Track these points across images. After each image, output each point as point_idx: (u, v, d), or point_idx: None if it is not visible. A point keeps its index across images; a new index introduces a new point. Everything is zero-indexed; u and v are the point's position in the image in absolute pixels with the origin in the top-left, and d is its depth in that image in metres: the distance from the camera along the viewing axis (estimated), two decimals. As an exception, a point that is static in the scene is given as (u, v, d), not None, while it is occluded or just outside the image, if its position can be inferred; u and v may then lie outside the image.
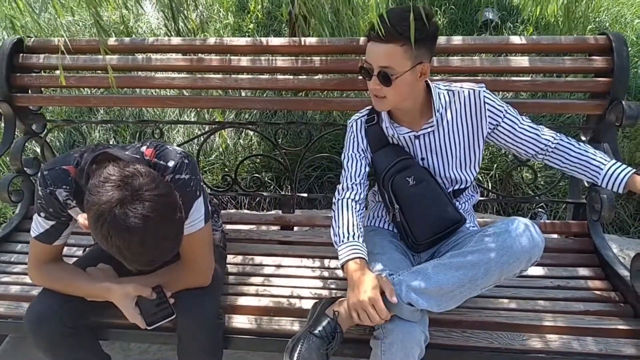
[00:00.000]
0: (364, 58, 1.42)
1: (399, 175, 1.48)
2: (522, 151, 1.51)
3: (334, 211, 1.48)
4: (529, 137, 1.48)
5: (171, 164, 1.29)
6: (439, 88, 1.51)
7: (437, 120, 1.48)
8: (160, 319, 1.29)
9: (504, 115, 1.48)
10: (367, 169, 1.54)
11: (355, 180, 1.51)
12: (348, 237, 1.38)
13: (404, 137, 1.52)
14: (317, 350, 1.27)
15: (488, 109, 1.48)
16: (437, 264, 1.31)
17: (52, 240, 1.35)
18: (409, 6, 1.32)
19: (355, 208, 1.46)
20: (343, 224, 1.41)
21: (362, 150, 1.55)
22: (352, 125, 1.58)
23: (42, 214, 1.31)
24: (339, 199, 1.48)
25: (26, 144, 2.05)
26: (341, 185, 1.52)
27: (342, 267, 1.35)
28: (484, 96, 1.48)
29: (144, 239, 1.05)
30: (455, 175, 1.53)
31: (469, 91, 1.49)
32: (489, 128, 1.49)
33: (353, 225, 1.41)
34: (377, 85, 1.39)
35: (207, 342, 1.40)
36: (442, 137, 1.50)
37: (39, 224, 1.33)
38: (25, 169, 2.02)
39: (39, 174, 1.29)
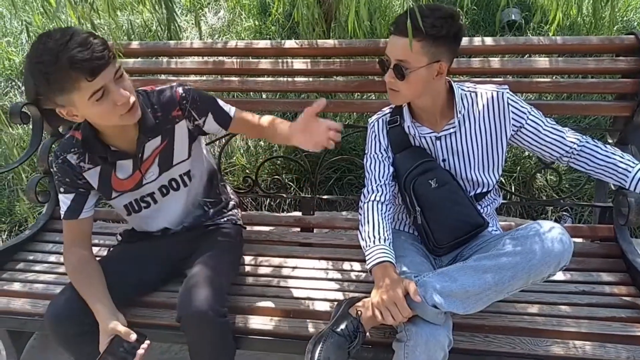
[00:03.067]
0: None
1: (421, 177, 1.46)
2: (546, 154, 1.48)
3: (361, 215, 1.47)
4: (554, 139, 1.45)
5: (174, 84, 1.45)
6: (462, 89, 1.49)
7: (458, 122, 1.47)
8: None
9: (527, 117, 1.46)
10: (391, 170, 1.52)
11: (380, 181, 1.49)
12: (375, 241, 1.37)
13: (425, 137, 1.51)
14: (339, 348, 1.26)
15: (511, 111, 1.46)
16: (464, 266, 1.29)
17: (76, 215, 1.43)
18: (434, 4, 1.32)
19: (382, 210, 1.44)
20: (370, 227, 1.40)
21: (384, 150, 1.54)
22: (373, 125, 1.58)
23: (62, 189, 1.41)
24: (364, 202, 1.47)
25: (53, 145, 2.10)
26: (366, 188, 1.51)
27: (370, 270, 1.35)
28: (508, 97, 1.46)
29: (52, 34, 1.17)
30: (477, 178, 1.51)
31: (492, 92, 1.47)
32: (513, 130, 1.47)
33: (381, 229, 1.39)
34: (391, 78, 1.39)
35: (213, 340, 1.37)
36: (463, 138, 1.48)
37: (62, 203, 1.43)
38: (51, 170, 2.06)
39: (53, 154, 1.39)
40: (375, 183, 1.50)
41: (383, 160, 1.53)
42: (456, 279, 1.27)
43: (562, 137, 1.45)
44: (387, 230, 1.40)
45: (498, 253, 1.27)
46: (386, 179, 1.50)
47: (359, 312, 1.34)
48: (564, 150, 1.45)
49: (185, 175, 1.54)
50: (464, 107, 1.47)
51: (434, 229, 1.48)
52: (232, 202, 1.77)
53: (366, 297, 1.39)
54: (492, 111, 1.47)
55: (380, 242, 1.36)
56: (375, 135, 1.56)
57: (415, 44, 1.31)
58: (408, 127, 1.51)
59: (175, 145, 1.47)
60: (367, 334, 1.35)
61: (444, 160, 1.51)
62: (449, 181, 1.47)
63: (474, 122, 1.48)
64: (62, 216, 1.45)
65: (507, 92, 1.47)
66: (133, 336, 1.28)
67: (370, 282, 1.63)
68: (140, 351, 1.29)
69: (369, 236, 1.39)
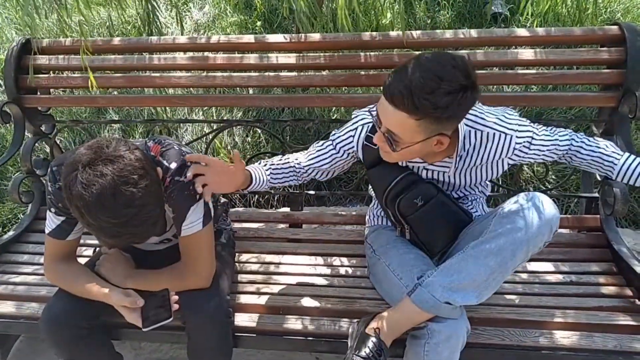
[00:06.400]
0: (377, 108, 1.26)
1: (405, 196, 1.41)
2: (545, 160, 1.47)
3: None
4: (551, 151, 1.42)
5: (173, 165, 1.28)
6: (467, 124, 1.34)
7: (455, 162, 1.38)
8: (154, 323, 1.26)
9: (528, 150, 1.38)
10: (328, 167, 1.52)
11: (310, 165, 1.52)
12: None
13: (413, 164, 1.44)
14: None
15: (515, 154, 1.37)
16: (465, 256, 1.27)
17: (64, 236, 1.36)
18: (440, 67, 1.11)
19: (287, 167, 1.51)
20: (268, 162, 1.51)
21: (348, 153, 1.48)
22: (356, 122, 1.45)
23: (53, 210, 1.33)
24: (288, 158, 1.54)
25: (36, 144, 2.06)
26: (300, 155, 1.55)
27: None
28: (515, 143, 1.35)
29: (101, 198, 1.05)
30: (460, 194, 1.51)
31: (500, 135, 1.34)
32: (510, 164, 1.43)
33: (271, 163, 1.50)
34: (381, 141, 1.28)
35: (216, 340, 1.40)
36: (455, 175, 1.43)
37: (51, 220, 1.35)
38: (35, 169, 2.03)
39: (49, 170, 1.30)
40: (306, 162, 1.52)
41: (332, 157, 1.50)
42: (461, 271, 1.25)
43: (558, 145, 1.41)
44: (273, 165, 1.49)
45: (493, 235, 1.24)
46: (313, 169, 1.53)
47: (377, 330, 1.31)
48: (560, 153, 1.43)
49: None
50: (464, 148, 1.36)
51: (425, 241, 1.47)
52: (224, 213, 1.74)
53: (377, 312, 1.39)
54: (495, 154, 1.37)
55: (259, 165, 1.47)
56: (352, 138, 1.45)
57: (409, 122, 1.17)
58: None
59: (168, 214, 1.39)
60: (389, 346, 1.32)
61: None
62: (434, 195, 1.41)
63: (470, 161, 1.39)
64: (46, 232, 1.35)
65: (517, 137, 1.34)
66: (140, 301, 1.27)
67: (360, 277, 1.63)
68: (175, 306, 1.28)
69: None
